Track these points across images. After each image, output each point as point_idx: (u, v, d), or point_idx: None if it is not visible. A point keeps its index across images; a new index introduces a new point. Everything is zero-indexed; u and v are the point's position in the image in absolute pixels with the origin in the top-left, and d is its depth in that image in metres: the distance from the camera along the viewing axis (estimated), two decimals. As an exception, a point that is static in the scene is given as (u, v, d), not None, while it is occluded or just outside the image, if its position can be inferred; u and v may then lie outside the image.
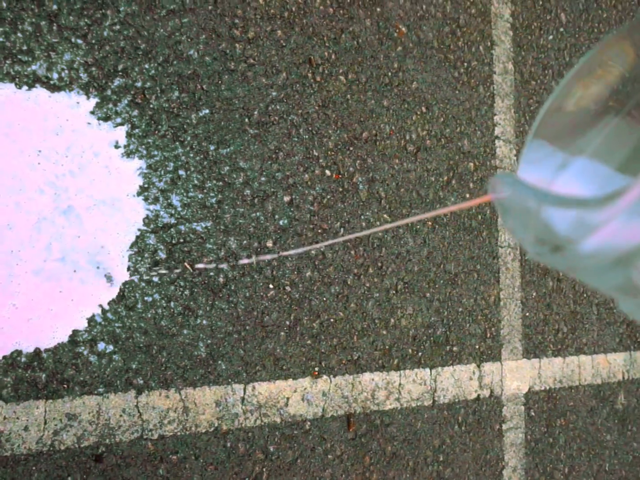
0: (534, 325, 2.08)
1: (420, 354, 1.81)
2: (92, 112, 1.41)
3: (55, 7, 1.38)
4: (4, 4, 1.33)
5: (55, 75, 1.37)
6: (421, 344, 1.82)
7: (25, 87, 1.34)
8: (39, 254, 1.32)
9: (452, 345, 1.88)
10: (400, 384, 1.77)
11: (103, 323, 1.38)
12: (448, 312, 1.88)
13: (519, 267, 2.06)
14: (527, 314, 2.06)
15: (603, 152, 0.38)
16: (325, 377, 1.65)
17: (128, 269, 1.41)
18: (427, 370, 1.82)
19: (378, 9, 1.86)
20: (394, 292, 1.78)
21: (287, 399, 1.59)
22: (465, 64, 2.03)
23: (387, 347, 1.75)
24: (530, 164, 0.41)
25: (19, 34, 1.34)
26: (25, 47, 1.35)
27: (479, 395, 1.91)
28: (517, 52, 2.17)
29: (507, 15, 2.15)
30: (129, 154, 1.44)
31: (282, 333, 1.59)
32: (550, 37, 2.28)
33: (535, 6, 2.23)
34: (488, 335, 1.96)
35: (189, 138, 1.52)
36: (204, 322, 1.49)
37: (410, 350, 1.79)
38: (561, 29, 2.33)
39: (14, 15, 1.34)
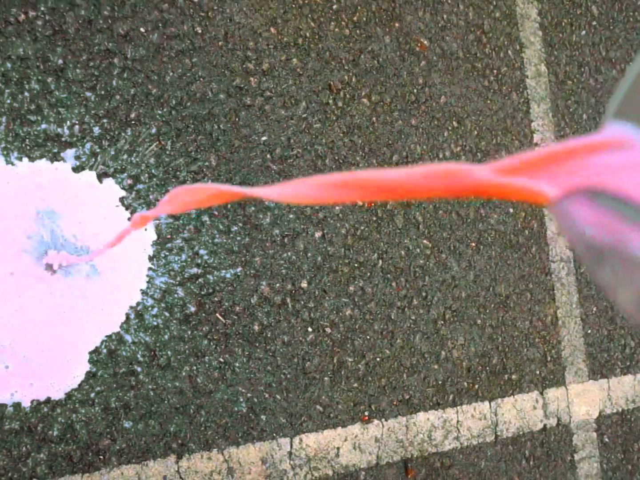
0: (598, 342, 1.92)
1: (476, 386, 1.68)
2: (105, 164, 1.35)
3: (60, 61, 1.33)
4: (9, 65, 1.29)
5: (67, 132, 1.32)
6: (477, 375, 1.69)
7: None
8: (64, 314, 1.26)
9: (511, 374, 1.74)
10: (458, 421, 1.63)
11: (136, 386, 1.30)
12: (502, 338, 1.74)
13: (575, 281, 1.91)
14: (589, 331, 1.90)
15: None
16: (376, 421, 1.53)
17: (157, 326, 1.34)
18: (486, 403, 1.69)
19: (396, 24, 1.77)
20: (442, 322, 1.66)
21: (338, 449, 1.48)
22: (495, 71, 1.91)
23: (440, 382, 1.63)
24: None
25: (26, 93, 1.30)
26: (33, 107, 1.30)
27: (545, 425, 1.76)
28: (549, 52, 2.04)
29: (534, 14, 2.03)
30: (148, 204, 1.37)
31: (326, 378, 1.49)
32: (583, 32, 2.15)
33: (563, 2, 2.11)
34: (548, 358, 1.81)
35: (209, 181, 1.44)
36: (242, 374, 1.40)
37: (465, 384, 1.66)
38: (594, 23, 2.19)
39: (19, 76, 1.29)
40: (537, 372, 1.78)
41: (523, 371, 1.76)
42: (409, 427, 1.56)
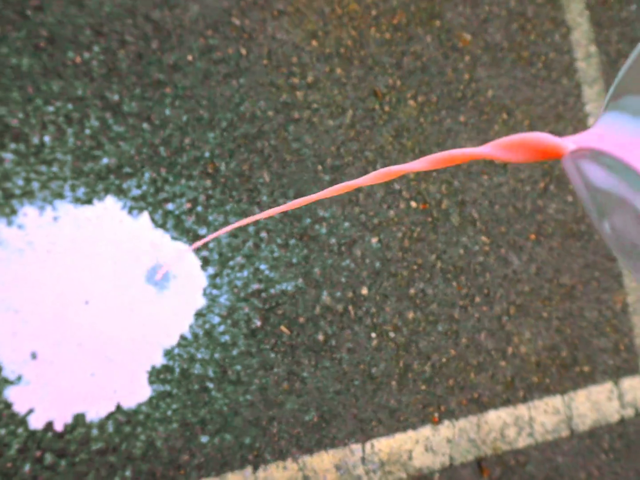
0: (673, 327, 1.85)
1: (547, 380, 1.65)
2: (171, 188, 1.41)
3: (116, 97, 1.40)
4: (70, 106, 1.36)
5: (128, 169, 1.39)
6: (546, 369, 1.66)
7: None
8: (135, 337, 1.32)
9: (582, 365, 1.70)
10: (530, 417, 1.61)
11: (210, 401, 1.35)
12: (571, 330, 1.71)
13: (644, 265, 1.84)
14: (663, 316, 1.84)
15: None
16: (447, 422, 1.53)
17: (225, 342, 1.39)
18: (559, 397, 1.66)
19: (437, 22, 1.76)
20: (507, 317, 1.64)
21: (410, 451, 1.49)
22: (542, 57, 1.87)
23: (509, 379, 1.61)
24: (612, 113, 0.31)
25: (87, 130, 1.37)
26: (95, 143, 1.37)
27: (622, 416, 1.72)
28: (598, 31, 1.98)
29: (580, -5, 1.97)
30: (208, 225, 1.43)
31: (393, 382, 1.50)
32: (633, 6, 2.07)
33: (609, -23, 2.03)
34: (621, 347, 1.76)
35: (264, 198, 1.48)
36: (311, 384, 1.43)
37: (535, 379, 1.64)
38: (644, -5, 2.10)
39: (81, 115, 1.37)
40: (610, 362, 1.74)
41: (595, 362, 1.72)
42: (481, 425, 1.56)
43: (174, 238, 1.40)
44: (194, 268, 1.40)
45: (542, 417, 1.62)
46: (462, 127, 1.71)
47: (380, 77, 1.66)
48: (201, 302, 1.39)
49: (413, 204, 1.62)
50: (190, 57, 1.48)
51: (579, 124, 1.87)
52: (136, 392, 1.31)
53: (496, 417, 1.58)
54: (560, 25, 1.91)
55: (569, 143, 0.31)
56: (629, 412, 1.73)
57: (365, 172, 1.59)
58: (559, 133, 1.83)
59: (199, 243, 1.02)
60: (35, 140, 1.33)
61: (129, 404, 1.30)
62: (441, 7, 1.77)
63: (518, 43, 1.84)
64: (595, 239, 1.80)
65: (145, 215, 1.38)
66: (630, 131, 0.29)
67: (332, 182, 1.55)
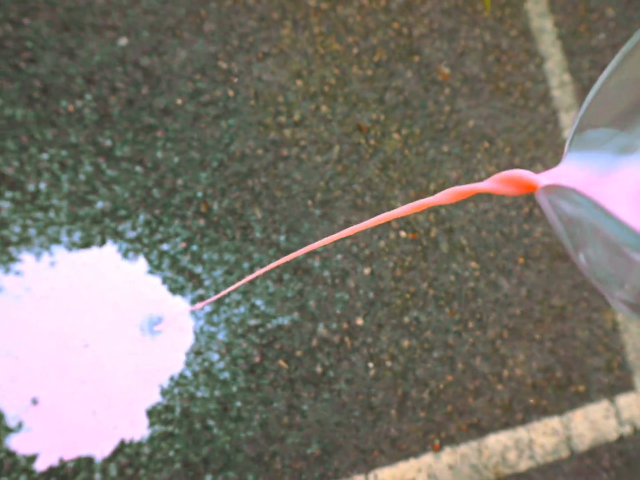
0: (664, 343, 1.88)
1: (544, 401, 1.67)
2: (158, 225, 1.44)
3: (109, 142, 1.44)
4: (64, 152, 1.40)
5: (122, 212, 1.41)
6: (542, 390, 1.68)
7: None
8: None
9: (577, 385, 1.73)
10: (530, 439, 1.63)
11: (212, 440, 1.36)
12: (564, 350, 1.74)
13: (630, 283, 1.89)
14: (653, 332, 1.87)
15: None
16: (448, 448, 1.54)
17: (225, 379, 1.40)
18: (556, 417, 1.67)
19: (416, 58, 1.82)
20: (501, 341, 1.67)
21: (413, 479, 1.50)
22: (519, 86, 1.94)
23: (506, 402, 1.63)
24: (581, 149, 0.33)
25: (81, 176, 1.40)
26: (89, 188, 1.40)
27: (621, 434, 1.73)
28: (571, 60, 2.06)
29: (550, 26, 2.05)
30: (203, 263, 1.45)
31: (393, 411, 1.51)
32: (602, 35, 2.16)
33: (577, 9, 2.12)
34: (614, 365, 1.79)
35: (257, 234, 1.51)
36: (311, 417, 1.44)
37: (532, 400, 1.66)
38: (611, 24, 2.19)
39: (74, 161, 1.40)
40: (605, 380, 1.76)
41: (589, 381, 1.74)
42: (482, 450, 1.57)
43: (169, 279, 1.42)
44: (185, 312, 1.42)
45: (541, 438, 1.64)
46: (445, 156, 1.77)
47: (364, 112, 1.71)
48: (192, 341, 1.40)
49: (402, 233, 1.66)
50: (179, 101, 1.53)
51: (559, 149, 1.93)
52: (137, 433, 1.31)
53: (496, 441, 1.59)
54: (534, 56, 1.99)
55: (542, 178, 0.34)
56: (627, 430, 1.74)
57: (355, 205, 1.63)
58: (540, 159, 1.89)
59: (199, 305, 1.04)
60: (31, 187, 1.35)
61: (131, 445, 1.30)
62: (419, 43, 1.84)
63: (495, 74, 1.91)
64: (581, 259, 1.83)
65: (141, 259, 1.40)
66: (595, 168, 0.31)
67: (323, 216, 1.59)
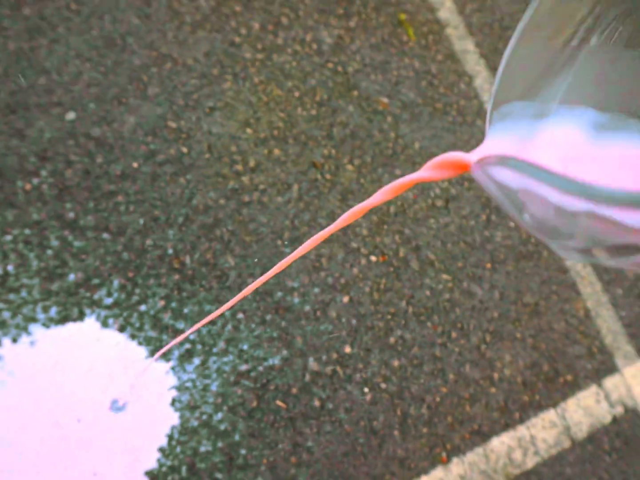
0: (635, 322, 1.96)
1: (537, 396, 1.71)
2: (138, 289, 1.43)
3: (72, 214, 1.44)
4: (28, 231, 1.39)
5: (96, 280, 1.41)
6: (533, 386, 1.72)
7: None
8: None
9: (565, 375, 1.77)
10: (532, 436, 1.65)
11: (222, 493, 1.33)
12: (545, 344, 1.79)
13: (592, 271, 1.98)
14: (623, 313, 1.95)
15: (578, 91, 0.34)
16: (455, 459, 1.55)
17: (225, 429, 1.38)
18: (552, 410, 1.71)
19: (355, 92, 1.91)
20: (485, 345, 1.71)
21: (428, 497, 1.49)
22: (454, 105, 2.05)
23: (502, 403, 1.66)
24: (500, 122, 0.36)
25: (49, 251, 1.39)
26: (58, 262, 1.39)
27: (614, 416, 1.78)
28: (496, 74, 2.19)
29: (472, 47, 2.19)
30: (185, 318, 1.44)
31: (396, 432, 1.52)
32: (519, 49, 2.31)
33: (492, 29, 2.28)
34: (594, 350, 1.85)
35: (233, 280, 1.52)
36: (317, 452, 1.43)
37: (526, 397, 1.69)
38: (525, 38, 2.36)
39: (40, 238, 1.39)
40: (589, 367, 1.82)
41: (575, 369, 1.79)
42: (488, 455, 1.58)
43: (153, 339, 1.40)
44: (159, 371, 1.41)
45: (541, 433, 1.66)
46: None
47: (316, 149, 1.77)
48: (170, 398, 1.39)
49: (373, 258, 1.70)
50: (135, 164, 1.55)
51: (502, 157, 2.03)
52: (145, 502, 1.27)
53: (500, 443, 1.61)
54: (462, 76, 2.11)
55: (473, 156, 0.36)
56: (619, 410, 1.79)
57: (323, 241, 1.66)
58: (486, 168, 1.98)
59: (159, 352, 1.05)
60: None
61: (141, 515, 1.26)
62: (355, 78, 1.93)
63: (430, 97, 2.02)
64: (544, 256, 1.92)
65: (121, 324, 1.39)
66: (518, 136, 0.35)
67: (294, 253, 1.61)
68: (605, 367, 1.84)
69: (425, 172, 0.42)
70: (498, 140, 0.36)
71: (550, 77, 0.35)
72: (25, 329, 1.31)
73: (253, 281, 1.54)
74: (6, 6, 1.58)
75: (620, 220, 0.23)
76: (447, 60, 2.11)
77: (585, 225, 0.26)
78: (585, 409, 1.75)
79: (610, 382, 1.83)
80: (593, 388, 1.79)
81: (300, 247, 0.57)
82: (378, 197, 0.48)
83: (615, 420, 1.78)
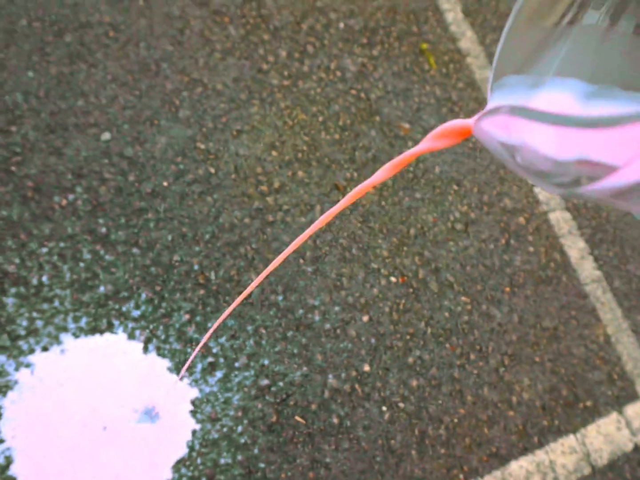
0: (656, 349, 1.95)
1: (556, 421, 1.70)
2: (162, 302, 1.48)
3: (104, 230, 1.50)
4: (62, 244, 1.45)
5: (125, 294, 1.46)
6: (552, 410, 1.71)
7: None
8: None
9: (584, 401, 1.77)
10: (550, 461, 1.64)
11: (241, 506, 1.34)
12: (564, 369, 1.79)
13: (613, 297, 1.98)
14: (643, 340, 1.94)
15: (570, 65, 0.37)
16: (473, 481, 1.55)
17: (245, 443, 1.40)
18: (571, 436, 1.70)
19: (377, 118, 1.97)
20: (504, 368, 1.72)
21: (445, 518, 1.49)
22: (475, 132, 2.09)
23: (520, 427, 1.66)
24: (498, 91, 0.40)
25: (82, 264, 1.45)
26: (90, 274, 1.45)
27: (635, 443, 1.76)
28: (516, 103, 2.24)
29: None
30: (204, 330, 1.48)
31: (413, 452, 1.53)
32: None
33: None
34: (614, 376, 1.84)
35: (256, 295, 1.56)
36: (335, 468, 1.44)
37: (545, 422, 1.69)
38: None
39: (73, 251, 1.45)
40: (609, 393, 1.81)
41: (595, 395, 1.79)
42: (506, 479, 1.58)
43: (177, 351, 1.44)
44: (182, 383, 1.44)
45: (561, 459, 1.65)
46: (420, 203, 1.87)
47: (338, 172, 1.82)
48: (188, 411, 1.42)
49: (393, 279, 1.73)
50: (165, 183, 1.61)
51: (522, 182, 2.06)
52: (165, 512, 1.30)
53: (518, 467, 1.60)
54: (483, 103, 2.16)
55: (472, 120, 0.41)
56: (640, 438, 1.78)
57: (344, 258, 1.70)
58: (506, 193, 2.01)
59: (183, 370, 1.09)
60: (34, 281, 1.39)
61: (161, 524, 1.28)
62: (377, 105, 1.99)
63: (451, 124, 2.06)
64: (563, 281, 1.93)
65: (145, 338, 1.43)
66: (516, 98, 0.39)
67: (315, 272, 1.65)
68: (626, 394, 1.83)
69: (427, 143, 0.46)
70: (497, 102, 0.40)
71: (544, 52, 0.39)
72: (56, 338, 1.36)
73: (275, 298, 1.58)
74: (50, 33, 1.67)
75: (606, 162, 0.28)
76: (468, 88, 2.16)
77: (574, 170, 0.30)
78: (605, 436, 1.74)
79: (632, 409, 1.81)
80: (614, 415, 1.78)
81: (312, 225, 0.60)
82: (383, 174, 0.52)
83: (637, 448, 1.76)
